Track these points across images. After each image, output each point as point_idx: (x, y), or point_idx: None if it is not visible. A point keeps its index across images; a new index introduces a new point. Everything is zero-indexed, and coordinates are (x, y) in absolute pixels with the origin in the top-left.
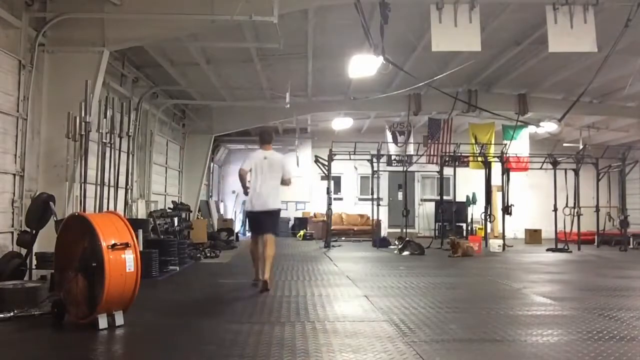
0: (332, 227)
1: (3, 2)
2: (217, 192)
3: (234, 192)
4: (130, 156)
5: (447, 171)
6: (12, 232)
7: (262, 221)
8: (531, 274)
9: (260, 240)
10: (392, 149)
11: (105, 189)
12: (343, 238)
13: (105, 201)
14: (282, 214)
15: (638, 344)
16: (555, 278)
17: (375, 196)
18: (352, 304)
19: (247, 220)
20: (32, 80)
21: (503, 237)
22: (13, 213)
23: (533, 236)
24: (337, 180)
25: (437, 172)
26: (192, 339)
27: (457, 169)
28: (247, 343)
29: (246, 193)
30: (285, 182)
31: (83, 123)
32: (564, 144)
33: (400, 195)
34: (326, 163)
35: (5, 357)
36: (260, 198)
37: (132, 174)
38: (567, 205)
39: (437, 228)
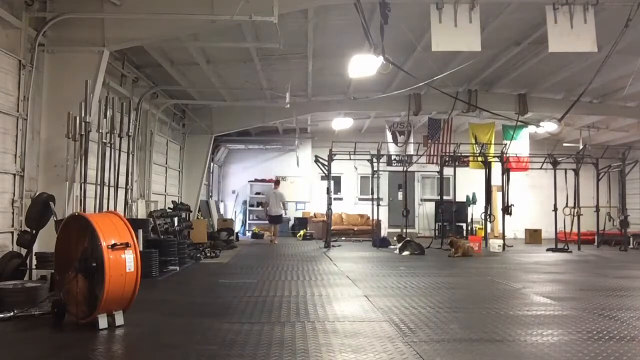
0: (332, 227)
1: (3, 2)
2: (217, 192)
3: (234, 192)
4: (130, 156)
5: (447, 171)
6: (12, 232)
7: (274, 219)
8: (531, 274)
9: (273, 226)
10: (392, 149)
11: (105, 189)
12: (343, 238)
13: (105, 201)
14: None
15: (638, 344)
16: (555, 278)
17: (375, 196)
18: (352, 304)
19: (268, 218)
20: (32, 80)
21: (503, 237)
22: (13, 213)
23: (533, 236)
24: (337, 180)
25: (437, 172)
26: (192, 339)
27: (457, 169)
28: (247, 343)
29: (266, 209)
30: (283, 204)
31: (83, 123)
32: (564, 144)
33: (400, 195)
34: (326, 163)
35: (5, 357)
36: (274, 210)
37: (132, 174)
38: (567, 205)
39: (437, 228)
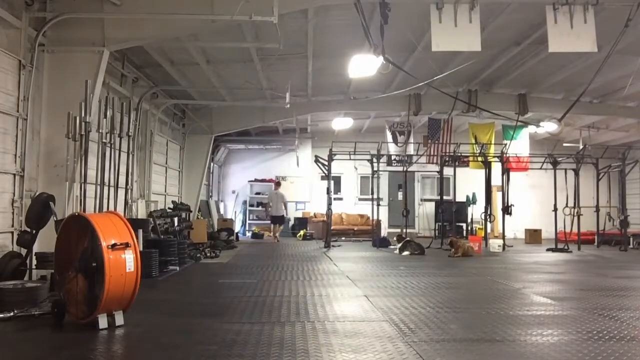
0: (332, 227)
1: (3, 2)
2: (217, 192)
3: (234, 192)
4: (130, 156)
5: (447, 171)
6: (12, 232)
7: (276, 219)
8: (531, 274)
9: (275, 226)
10: (392, 149)
11: (105, 189)
12: (343, 238)
13: (105, 201)
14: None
15: (638, 344)
16: (555, 278)
17: (375, 196)
18: (352, 304)
19: (270, 219)
20: (32, 80)
21: (503, 237)
22: (13, 213)
23: (533, 236)
24: (337, 180)
25: (437, 172)
26: (192, 339)
27: (457, 169)
28: (247, 343)
29: (267, 210)
30: (284, 204)
31: (83, 123)
32: (564, 144)
33: (400, 195)
34: (326, 163)
35: (5, 357)
36: (275, 211)
37: (132, 174)
38: (567, 205)
39: (437, 228)
